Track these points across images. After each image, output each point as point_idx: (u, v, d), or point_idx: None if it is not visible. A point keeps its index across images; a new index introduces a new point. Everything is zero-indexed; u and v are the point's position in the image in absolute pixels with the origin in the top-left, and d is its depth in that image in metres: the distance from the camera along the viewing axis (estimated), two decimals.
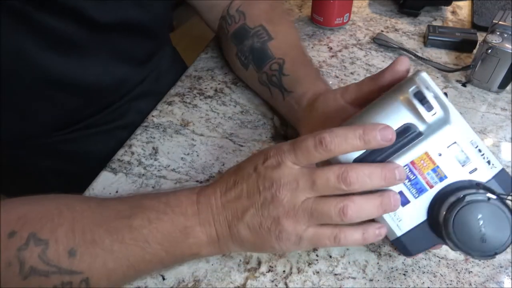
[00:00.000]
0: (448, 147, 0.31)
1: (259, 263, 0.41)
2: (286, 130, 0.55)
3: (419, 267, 0.40)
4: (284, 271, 0.40)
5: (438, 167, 0.31)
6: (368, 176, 0.30)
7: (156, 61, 0.62)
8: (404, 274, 0.40)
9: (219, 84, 0.63)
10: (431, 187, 0.32)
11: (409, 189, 0.32)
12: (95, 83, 0.51)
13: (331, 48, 0.70)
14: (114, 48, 0.51)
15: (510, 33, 0.57)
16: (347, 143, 0.30)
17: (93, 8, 0.45)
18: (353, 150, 0.31)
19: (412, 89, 0.31)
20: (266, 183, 0.32)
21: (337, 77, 0.64)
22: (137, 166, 0.50)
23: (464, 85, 0.63)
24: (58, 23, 0.43)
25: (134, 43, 0.54)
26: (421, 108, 0.30)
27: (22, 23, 0.41)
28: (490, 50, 0.57)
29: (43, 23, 0.42)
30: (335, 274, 0.40)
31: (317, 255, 0.41)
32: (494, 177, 0.32)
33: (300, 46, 0.57)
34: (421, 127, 0.31)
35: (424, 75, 0.31)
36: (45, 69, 0.45)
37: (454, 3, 0.80)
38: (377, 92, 0.37)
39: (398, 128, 0.31)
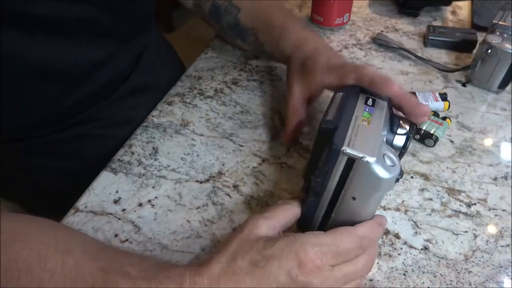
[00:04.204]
0: None
1: None
2: None
3: (419, 267, 0.40)
4: None
5: None
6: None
7: (137, 44, 0.59)
8: (404, 274, 0.40)
9: (219, 84, 0.63)
10: None
11: None
12: (73, 66, 0.49)
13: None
14: (92, 28, 0.49)
15: (510, 33, 0.57)
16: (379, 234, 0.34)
17: None
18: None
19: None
20: None
21: None
22: (137, 166, 0.50)
23: (464, 85, 0.63)
24: (33, 7, 0.41)
25: (112, 22, 0.51)
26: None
27: None
28: (490, 50, 0.57)
29: (15, 7, 0.40)
30: None
31: None
32: None
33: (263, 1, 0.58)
34: None
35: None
36: (19, 55, 0.43)
37: (454, 3, 0.80)
38: None
39: None
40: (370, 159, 0.30)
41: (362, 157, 0.30)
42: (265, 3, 0.59)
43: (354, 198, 0.32)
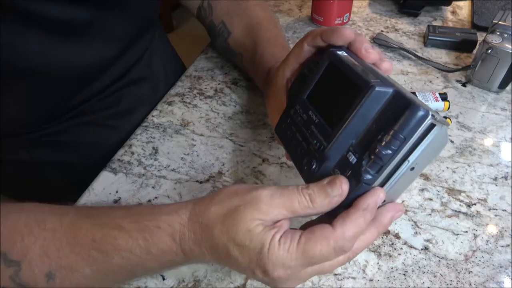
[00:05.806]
0: None
1: None
2: None
3: (419, 267, 0.40)
4: None
5: None
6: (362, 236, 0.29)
7: (144, 43, 0.60)
8: (404, 274, 0.40)
9: (219, 84, 0.63)
10: None
11: None
12: (82, 67, 0.49)
13: None
14: (101, 29, 0.49)
15: (510, 33, 0.57)
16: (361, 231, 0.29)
17: None
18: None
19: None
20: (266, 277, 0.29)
21: None
22: (137, 166, 0.50)
23: (464, 85, 0.63)
24: (45, 7, 0.41)
25: (120, 22, 0.51)
26: None
27: (6, 10, 0.39)
28: (490, 50, 0.57)
29: (26, 8, 0.40)
30: (335, 274, 0.40)
31: None
32: None
33: (253, 25, 0.59)
34: None
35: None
36: (30, 56, 0.43)
37: (454, 3, 0.80)
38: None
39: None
40: (447, 124, 0.28)
41: (444, 123, 0.27)
42: (256, 26, 0.59)
43: (412, 169, 0.28)
